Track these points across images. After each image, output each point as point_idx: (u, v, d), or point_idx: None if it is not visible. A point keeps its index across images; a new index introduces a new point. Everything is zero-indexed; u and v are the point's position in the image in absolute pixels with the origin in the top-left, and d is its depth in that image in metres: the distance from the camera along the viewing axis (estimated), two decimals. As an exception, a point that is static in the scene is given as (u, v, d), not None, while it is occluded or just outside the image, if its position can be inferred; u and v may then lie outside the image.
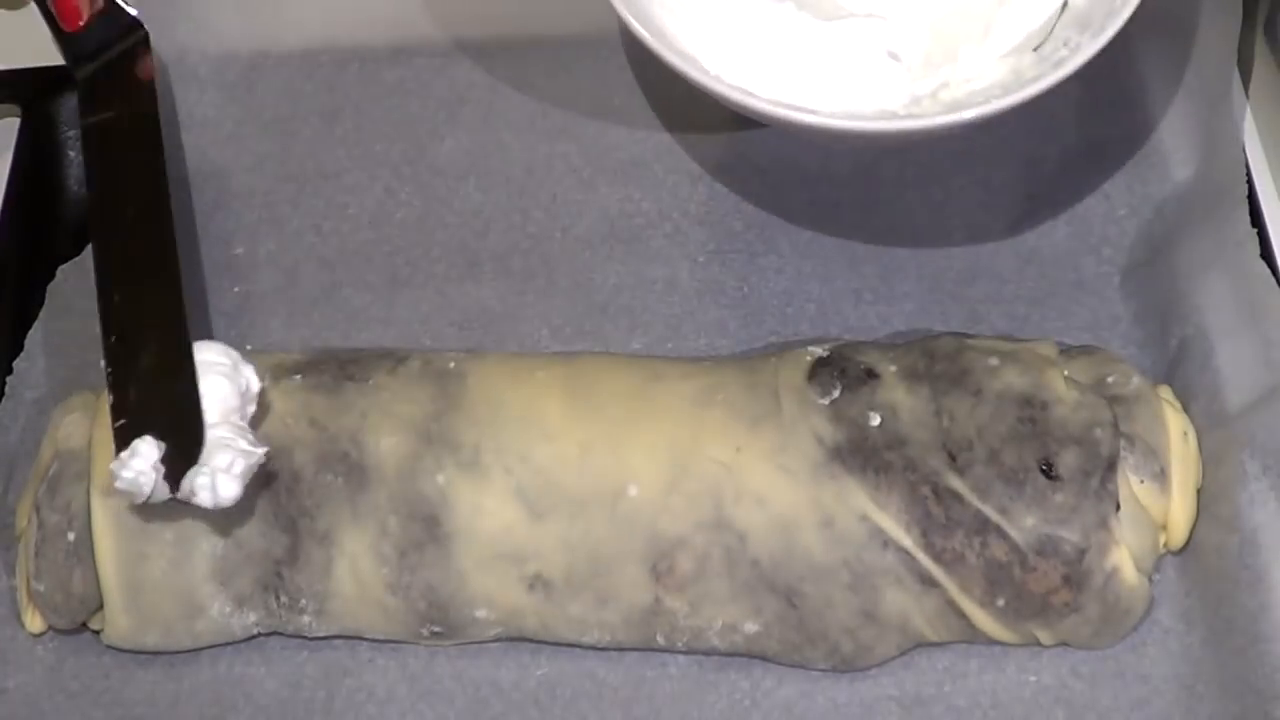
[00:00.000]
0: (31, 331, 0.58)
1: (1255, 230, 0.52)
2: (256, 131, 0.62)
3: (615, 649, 0.50)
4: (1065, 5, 0.54)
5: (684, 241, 0.58)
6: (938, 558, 0.47)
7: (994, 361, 0.50)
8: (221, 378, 0.49)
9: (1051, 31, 0.53)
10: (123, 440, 0.48)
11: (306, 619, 0.50)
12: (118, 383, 0.50)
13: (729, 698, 0.50)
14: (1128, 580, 0.48)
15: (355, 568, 0.49)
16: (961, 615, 0.48)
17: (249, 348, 0.56)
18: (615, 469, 0.49)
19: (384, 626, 0.50)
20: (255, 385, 0.50)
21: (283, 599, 0.50)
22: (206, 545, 0.49)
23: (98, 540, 0.49)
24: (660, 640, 0.49)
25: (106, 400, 0.52)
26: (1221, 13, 0.57)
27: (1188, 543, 0.50)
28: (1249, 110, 0.58)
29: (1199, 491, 0.50)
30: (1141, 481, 0.48)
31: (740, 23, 0.54)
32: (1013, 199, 0.58)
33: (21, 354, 0.57)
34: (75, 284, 0.59)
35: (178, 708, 0.51)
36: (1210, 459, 0.50)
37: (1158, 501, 0.49)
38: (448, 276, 0.58)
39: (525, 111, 0.62)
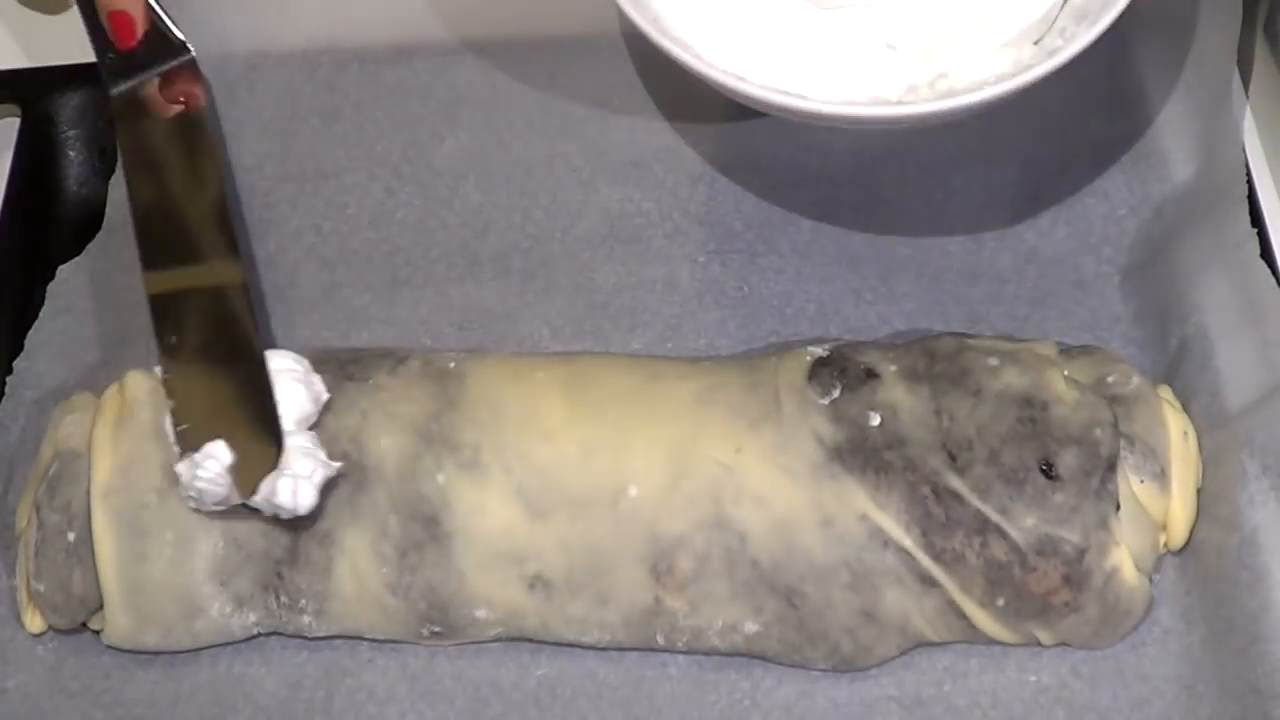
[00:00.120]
0: (31, 331, 0.58)
1: (1255, 230, 0.52)
2: (256, 131, 0.62)
3: (615, 649, 0.50)
4: None
5: (684, 241, 0.58)
6: (938, 558, 0.47)
7: (994, 361, 0.50)
8: (297, 384, 0.49)
9: (1052, 24, 0.53)
10: (187, 444, 0.48)
11: (306, 619, 0.50)
12: (178, 386, 0.50)
13: (729, 698, 0.50)
14: (1128, 580, 0.48)
15: (355, 568, 0.49)
16: (961, 615, 0.48)
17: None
18: (615, 469, 0.49)
19: (384, 626, 0.50)
20: (324, 394, 0.50)
21: (283, 599, 0.50)
22: (206, 545, 0.49)
23: (98, 540, 0.49)
24: (660, 640, 0.49)
25: (111, 400, 0.52)
26: (1221, 13, 0.57)
27: (1188, 543, 0.50)
28: (1249, 110, 0.58)
29: (1199, 491, 0.50)
30: (1141, 481, 0.48)
31: (738, 11, 0.54)
32: (1013, 199, 0.58)
33: (21, 354, 0.57)
34: (75, 284, 0.59)
35: (178, 708, 0.51)
36: (1210, 459, 0.50)
37: (1158, 501, 0.49)
38: (448, 276, 0.58)
39: (525, 111, 0.62)
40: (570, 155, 0.60)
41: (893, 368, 0.50)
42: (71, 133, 0.63)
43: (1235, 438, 0.49)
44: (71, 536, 0.50)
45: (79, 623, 0.51)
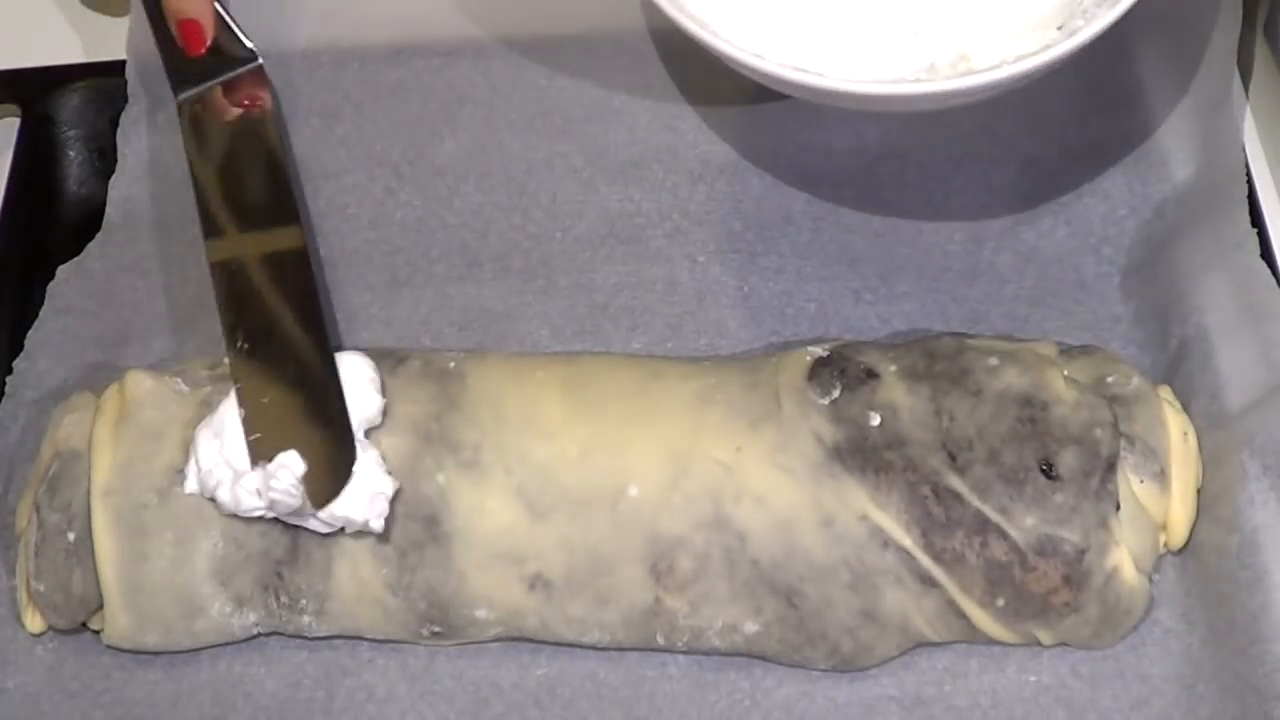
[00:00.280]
0: (31, 331, 0.58)
1: (1255, 230, 0.52)
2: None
3: (615, 649, 0.50)
4: None
5: (684, 241, 0.58)
6: (938, 558, 0.47)
7: (994, 361, 0.50)
8: (371, 391, 0.49)
9: (1077, 8, 0.52)
10: (258, 454, 0.48)
11: (306, 619, 0.50)
12: (250, 394, 0.49)
13: (729, 698, 0.50)
14: (1128, 580, 0.48)
15: (355, 568, 0.49)
16: (961, 615, 0.48)
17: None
18: (615, 469, 0.49)
19: (384, 626, 0.50)
20: (382, 399, 0.50)
21: (283, 599, 0.50)
22: (206, 545, 0.49)
23: (98, 540, 0.49)
24: (660, 640, 0.49)
25: (111, 400, 0.52)
26: (1221, 13, 0.57)
27: (1188, 543, 0.50)
28: (1249, 110, 0.58)
29: (1199, 491, 0.50)
30: (1141, 481, 0.48)
31: None
32: (1013, 199, 0.58)
33: (21, 354, 0.57)
34: (75, 284, 0.59)
35: (178, 708, 0.51)
36: (1210, 459, 0.50)
37: (1158, 501, 0.49)
38: (448, 276, 0.58)
39: (525, 111, 0.62)
40: (570, 155, 0.60)
41: (893, 368, 0.50)
42: (71, 133, 0.63)
43: (1235, 438, 0.49)
44: (71, 536, 0.50)
45: (79, 623, 0.51)
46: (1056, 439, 0.48)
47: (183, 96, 0.59)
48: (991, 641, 0.49)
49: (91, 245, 0.60)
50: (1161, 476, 0.49)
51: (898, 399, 0.49)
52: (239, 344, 0.51)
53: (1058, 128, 0.59)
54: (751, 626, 0.49)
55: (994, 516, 0.47)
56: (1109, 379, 0.50)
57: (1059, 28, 0.52)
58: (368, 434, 0.49)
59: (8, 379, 0.57)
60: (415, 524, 0.49)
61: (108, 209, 0.61)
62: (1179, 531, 0.49)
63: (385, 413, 0.50)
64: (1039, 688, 0.49)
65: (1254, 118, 0.58)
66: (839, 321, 0.56)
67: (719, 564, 0.48)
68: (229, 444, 0.48)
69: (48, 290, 0.59)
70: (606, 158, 0.60)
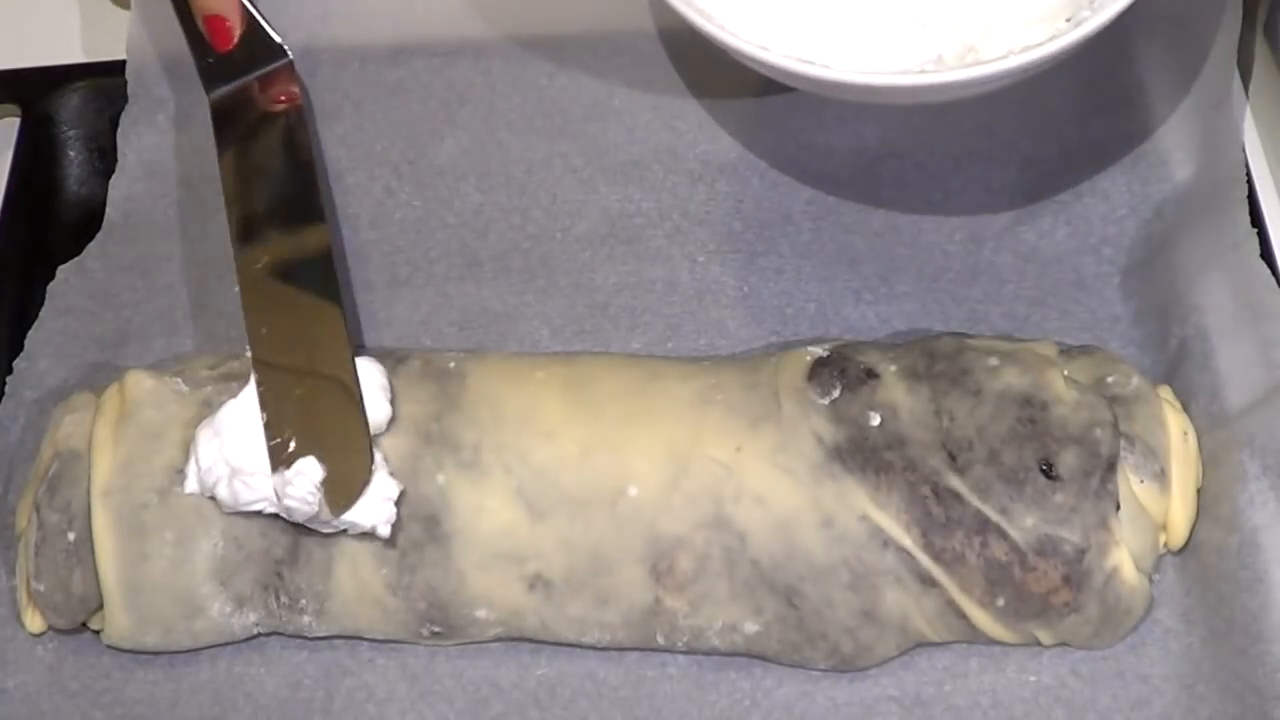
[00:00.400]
0: (31, 331, 0.58)
1: (1255, 230, 0.52)
2: (257, 131, 0.62)
3: (615, 649, 0.50)
4: None
5: (684, 241, 0.58)
6: (938, 558, 0.47)
7: (994, 361, 0.50)
8: (381, 398, 0.49)
9: (1084, 1, 0.52)
10: (279, 459, 0.48)
11: (306, 619, 0.50)
12: (271, 398, 0.49)
13: (729, 698, 0.50)
14: (1128, 580, 0.48)
15: (355, 568, 0.49)
16: (961, 615, 0.48)
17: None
18: (615, 469, 0.49)
19: (384, 626, 0.50)
20: (390, 408, 0.50)
21: (283, 599, 0.50)
22: (206, 545, 0.49)
23: (98, 540, 0.49)
24: (660, 640, 0.49)
25: (111, 400, 0.52)
26: (1221, 13, 0.57)
27: (1188, 543, 0.50)
28: (1249, 110, 0.58)
29: (1199, 491, 0.50)
30: (1141, 481, 0.48)
31: None
32: (1013, 199, 0.58)
33: (21, 354, 0.57)
34: (75, 284, 0.59)
35: (178, 708, 0.51)
36: (1210, 459, 0.50)
37: (1158, 501, 0.49)
38: (448, 276, 0.58)
39: (525, 111, 0.62)
40: (570, 155, 0.60)
41: (893, 368, 0.50)
42: (71, 133, 0.63)
43: (1235, 438, 0.49)
44: (71, 536, 0.50)
45: (79, 623, 0.51)
46: (1056, 439, 0.48)
47: (214, 95, 0.59)
48: (991, 641, 0.49)
49: (91, 245, 0.60)
50: (1161, 476, 0.49)
51: (898, 399, 0.49)
52: (262, 346, 0.51)
53: (1058, 128, 0.59)
54: (751, 626, 0.49)
55: (994, 516, 0.47)
56: (1109, 379, 0.50)
57: (1067, 19, 0.52)
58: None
59: (8, 379, 0.57)
60: (415, 524, 0.49)
61: (108, 209, 0.61)
62: (1179, 531, 0.49)
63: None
64: (1039, 688, 0.49)
65: (1254, 118, 0.58)
66: (839, 321, 0.56)
67: (719, 564, 0.48)
68: (229, 443, 0.48)
69: (48, 290, 0.59)
70: (606, 158, 0.60)
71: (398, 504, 0.48)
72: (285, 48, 0.60)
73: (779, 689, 0.50)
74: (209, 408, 0.50)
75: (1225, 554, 0.48)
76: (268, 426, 0.48)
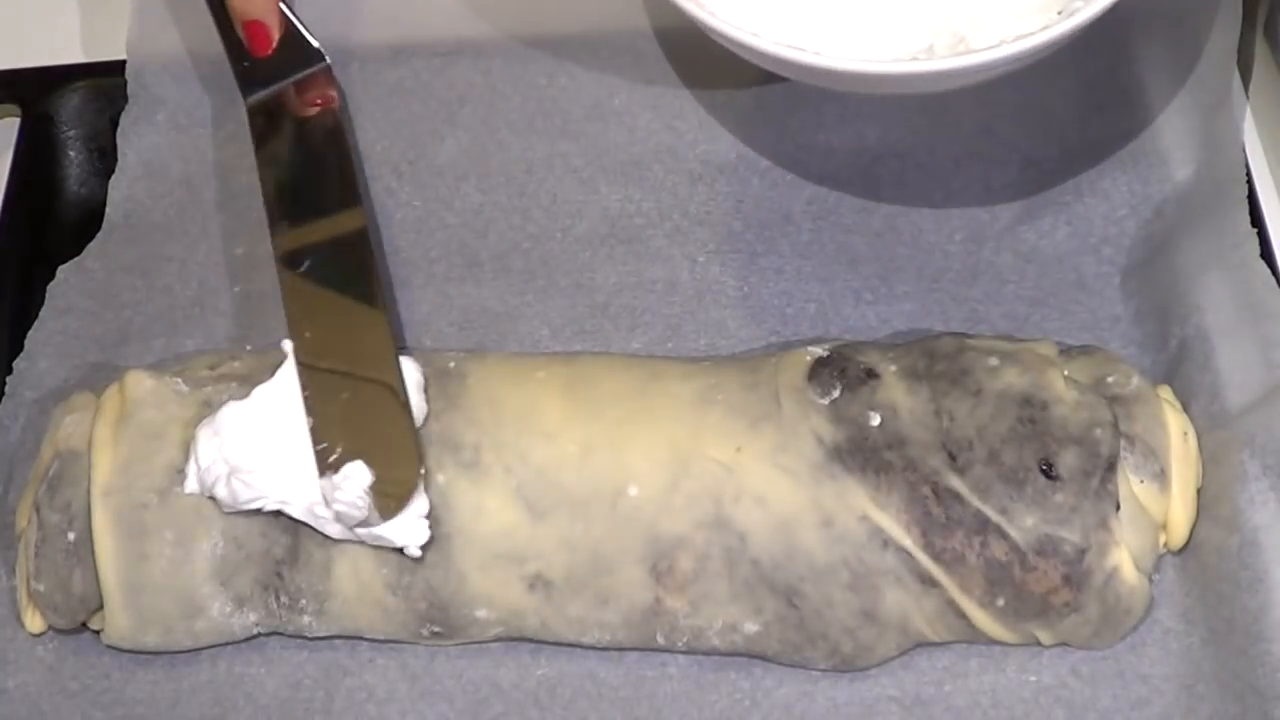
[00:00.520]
0: (32, 331, 0.58)
1: (1255, 230, 0.52)
2: (257, 131, 0.62)
3: (615, 649, 0.50)
4: None
5: (684, 241, 0.58)
6: (938, 558, 0.47)
7: (994, 361, 0.50)
8: (419, 397, 0.49)
9: None
10: (326, 464, 0.47)
11: (306, 619, 0.50)
12: (317, 403, 0.49)
13: (729, 698, 0.50)
14: (1128, 580, 0.48)
15: (355, 568, 0.49)
16: (961, 615, 0.48)
17: (249, 348, 0.56)
18: (615, 469, 0.49)
19: (384, 626, 0.50)
20: (426, 407, 0.50)
21: (283, 599, 0.50)
22: (206, 545, 0.49)
23: (98, 540, 0.49)
24: (660, 640, 0.49)
25: (111, 400, 0.52)
26: (1221, 13, 0.57)
27: (1188, 543, 0.50)
28: (1249, 110, 0.58)
29: (1199, 491, 0.50)
30: (1141, 481, 0.48)
31: None
32: (1013, 199, 0.58)
33: (21, 354, 0.57)
34: (75, 284, 0.59)
35: (178, 708, 0.51)
36: (1210, 459, 0.50)
37: (1158, 501, 0.49)
38: (448, 276, 0.58)
39: (525, 111, 0.62)
40: (570, 155, 0.60)
41: (893, 368, 0.50)
42: (71, 133, 0.63)
43: (1235, 438, 0.49)
44: (71, 536, 0.50)
45: (79, 623, 0.51)
46: (1056, 439, 0.48)
47: (251, 99, 0.59)
48: (991, 641, 0.49)
49: (91, 245, 0.60)
50: (1161, 476, 0.49)
51: (898, 399, 0.49)
52: (306, 350, 0.51)
53: (1058, 128, 0.59)
54: (751, 626, 0.49)
55: (994, 516, 0.47)
56: (1109, 379, 0.50)
57: (1059, 11, 0.52)
58: None
59: (8, 379, 0.57)
60: (415, 524, 0.49)
61: (108, 209, 0.61)
62: (1179, 531, 0.49)
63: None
64: (1039, 688, 0.49)
65: (1254, 118, 0.58)
66: (839, 321, 0.56)
67: (719, 564, 0.48)
68: (228, 443, 0.48)
69: (48, 290, 0.59)
70: (606, 158, 0.60)
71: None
72: (323, 52, 0.60)
73: (779, 689, 0.50)
74: (209, 408, 0.50)
75: (1225, 554, 0.48)
76: (313, 431, 0.48)
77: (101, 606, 0.50)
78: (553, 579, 0.49)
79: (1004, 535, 0.47)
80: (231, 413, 0.49)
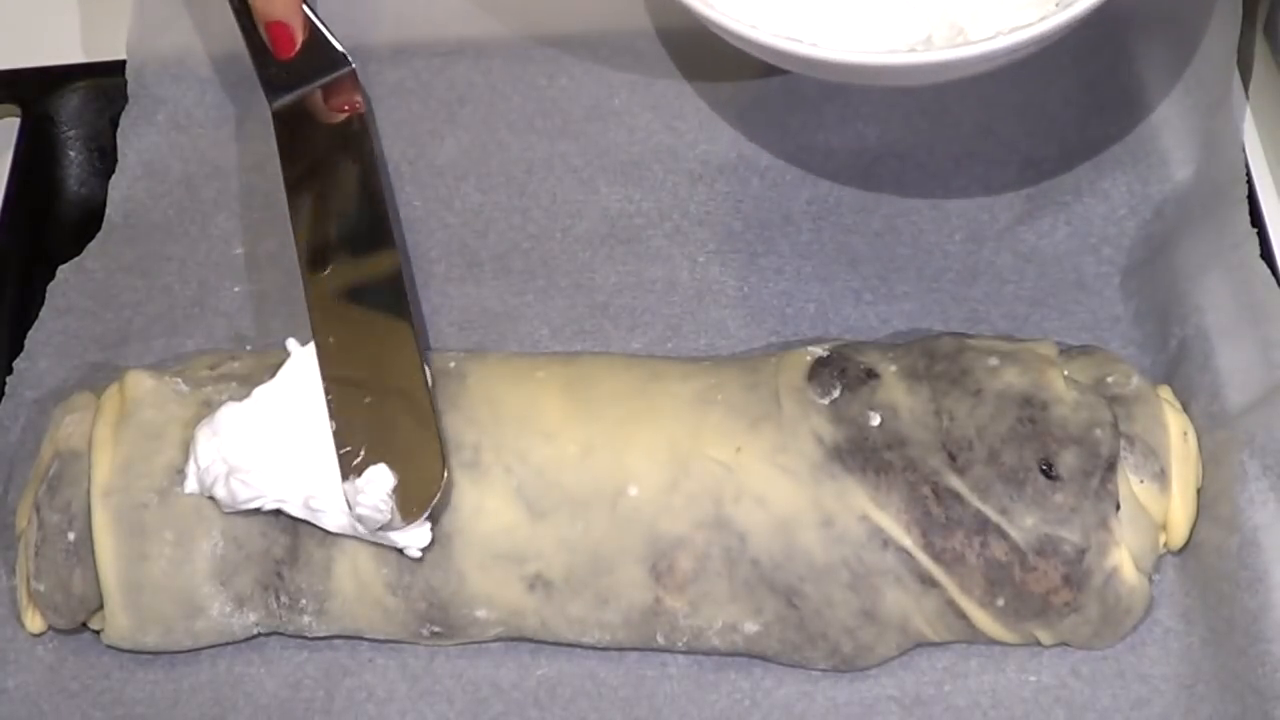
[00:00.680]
0: (32, 331, 0.58)
1: (1255, 230, 0.52)
2: (256, 131, 0.62)
3: (615, 649, 0.50)
4: None
5: (684, 241, 0.58)
6: (938, 558, 0.47)
7: (994, 361, 0.50)
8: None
9: None
10: (349, 468, 0.47)
11: (306, 619, 0.50)
12: (341, 406, 0.49)
13: (729, 698, 0.50)
14: (1128, 580, 0.48)
15: (355, 568, 0.49)
16: (961, 615, 0.48)
17: (249, 348, 0.56)
18: (615, 469, 0.49)
19: (384, 626, 0.50)
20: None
21: (283, 599, 0.50)
22: (206, 545, 0.49)
23: (98, 540, 0.49)
24: (660, 640, 0.49)
25: (111, 400, 0.52)
26: (1221, 13, 0.57)
27: (1188, 543, 0.50)
28: (1249, 110, 0.58)
29: (1199, 491, 0.50)
30: (1141, 481, 0.48)
31: None
32: (1013, 199, 0.58)
33: (21, 354, 0.57)
34: (75, 284, 0.59)
35: (178, 708, 0.51)
36: (1210, 459, 0.50)
37: (1158, 501, 0.49)
38: (448, 276, 0.58)
39: (525, 111, 0.62)
40: (570, 155, 0.60)
41: (893, 368, 0.50)
42: (71, 133, 0.63)
43: (1235, 438, 0.49)
44: (71, 536, 0.50)
45: (79, 623, 0.51)
46: (1056, 439, 0.48)
47: (276, 104, 0.59)
48: (991, 641, 0.49)
49: (91, 245, 0.60)
50: (1161, 476, 0.49)
51: (898, 399, 0.49)
52: (330, 355, 0.51)
53: (1058, 128, 0.59)
54: (751, 626, 0.49)
55: (994, 516, 0.47)
56: (1109, 379, 0.50)
57: (1056, 3, 0.51)
58: None
59: (8, 379, 0.57)
60: (415, 524, 0.49)
61: (108, 209, 0.61)
62: (1179, 531, 0.49)
63: None
64: (1039, 688, 0.49)
65: (1254, 118, 0.58)
66: (839, 321, 0.56)
67: (719, 564, 0.48)
68: (227, 442, 0.48)
69: (48, 290, 0.59)
70: (606, 158, 0.60)
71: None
72: (348, 55, 0.60)
73: (779, 689, 0.50)
74: (209, 408, 0.50)
75: (1225, 554, 0.48)
76: (336, 435, 0.48)
77: (101, 606, 0.50)
78: (553, 579, 0.49)
79: (1004, 535, 0.47)
80: (230, 413, 0.49)
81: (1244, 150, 0.54)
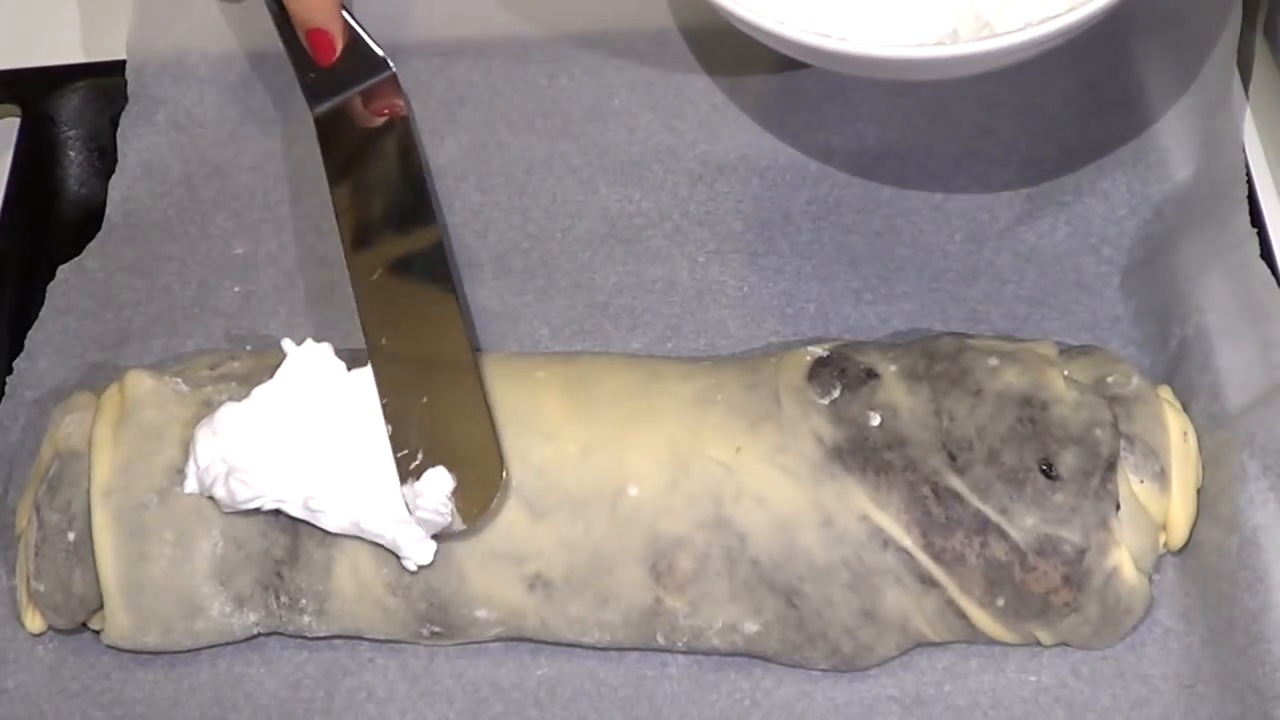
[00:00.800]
0: (32, 331, 0.58)
1: (1255, 230, 0.52)
2: (256, 131, 0.62)
3: (615, 649, 0.50)
4: None
5: (684, 241, 0.58)
6: (938, 558, 0.47)
7: (994, 361, 0.50)
8: None
9: None
10: (407, 472, 0.48)
11: (306, 619, 0.50)
12: (396, 410, 0.49)
13: (729, 698, 0.50)
14: (1128, 580, 0.48)
15: (355, 568, 0.49)
16: (961, 615, 0.48)
17: (249, 348, 0.56)
18: (615, 469, 0.49)
19: (384, 626, 0.50)
20: None
21: (283, 599, 0.50)
22: (206, 545, 0.49)
23: (98, 540, 0.49)
24: (660, 640, 0.49)
25: (111, 400, 0.52)
26: (1221, 13, 0.57)
27: (1188, 543, 0.50)
28: (1249, 110, 0.58)
29: (1199, 491, 0.50)
30: (1141, 481, 0.48)
31: None
32: (1013, 199, 0.58)
33: (21, 354, 0.57)
34: (75, 284, 0.59)
35: (178, 708, 0.51)
36: (1210, 459, 0.50)
37: (1158, 501, 0.49)
38: (448, 276, 0.58)
39: (525, 111, 0.62)
40: (570, 155, 0.60)
41: (893, 368, 0.50)
42: (71, 133, 0.63)
43: (1235, 438, 0.49)
44: (71, 536, 0.50)
45: (79, 623, 0.51)
46: (1056, 439, 0.48)
47: (318, 110, 0.59)
48: (991, 641, 0.49)
49: (91, 245, 0.60)
50: (1161, 476, 0.49)
51: (898, 399, 0.49)
52: (383, 359, 0.51)
53: (1058, 128, 0.59)
54: (751, 626, 0.49)
55: (994, 516, 0.47)
56: (1109, 379, 0.50)
57: None
58: None
59: (8, 379, 0.57)
60: (415, 524, 0.49)
61: (108, 209, 0.61)
62: (1179, 531, 0.49)
63: None
64: (1039, 688, 0.49)
65: (1254, 118, 0.58)
66: (839, 321, 0.56)
67: (719, 564, 0.48)
68: (226, 442, 0.48)
69: (48, 290, 0.59)
70: (606, 158, 0.60)
71: None
72: (388, 60, 0.60)
73: (779, 689, 0.50)
74: (209, 408, 0.50)
75: (1225, 554, 0.48)
76: (393, 439, 0.48)
77: (101, 606, 0.50)
78: (553, 579, 0.49)
79: (1004, 535, 0.47)
80: (230, 413, 0.49)
81: (1244, 150, 0.54)
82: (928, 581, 0.48)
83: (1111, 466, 0.48)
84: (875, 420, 0.49)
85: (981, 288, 0.56)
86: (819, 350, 0.51)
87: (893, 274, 0.57)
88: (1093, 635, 0.48)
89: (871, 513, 0.48)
